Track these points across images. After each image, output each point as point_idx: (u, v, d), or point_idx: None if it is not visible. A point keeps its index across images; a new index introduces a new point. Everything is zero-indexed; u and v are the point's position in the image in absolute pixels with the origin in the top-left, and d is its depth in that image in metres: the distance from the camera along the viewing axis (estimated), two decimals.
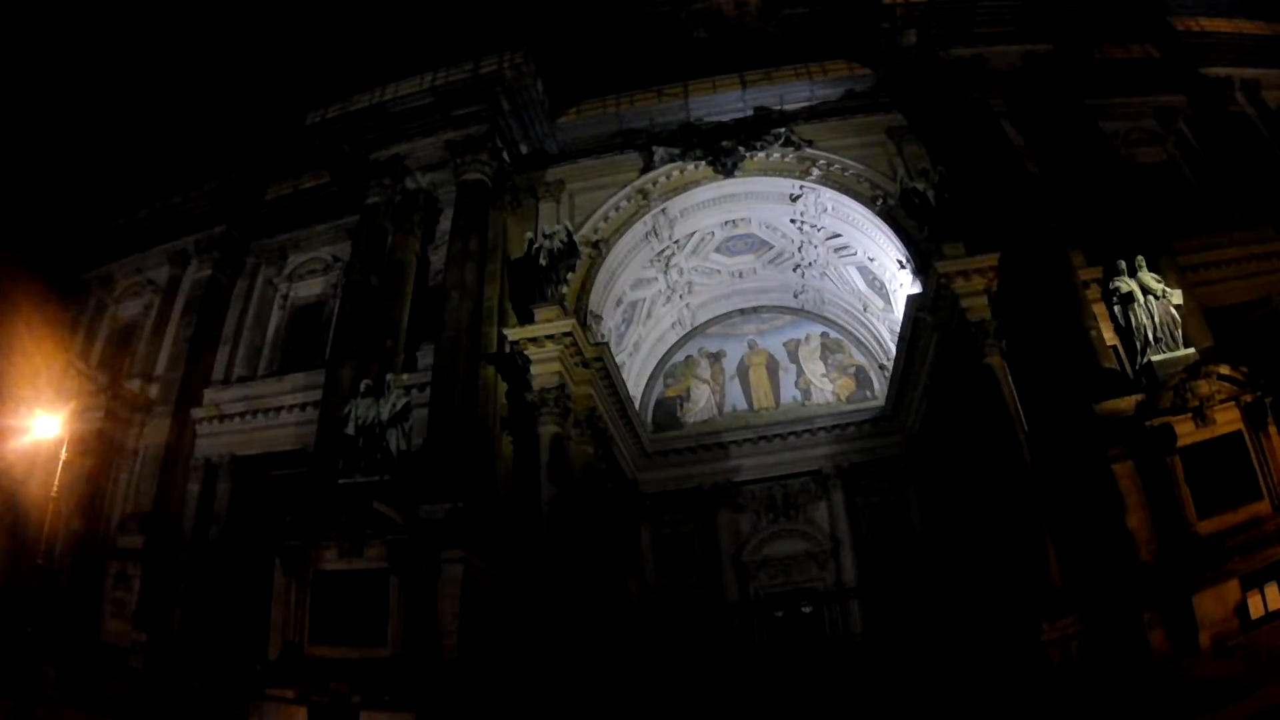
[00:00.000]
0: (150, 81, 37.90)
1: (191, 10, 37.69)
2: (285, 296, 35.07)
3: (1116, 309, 24.62)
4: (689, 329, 43.22)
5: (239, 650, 25.10)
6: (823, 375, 41.41)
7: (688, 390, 42.39)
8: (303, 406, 30.82)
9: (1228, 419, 22.03)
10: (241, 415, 31.68)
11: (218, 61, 37.70)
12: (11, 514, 28.27)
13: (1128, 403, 22.65)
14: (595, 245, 32.59)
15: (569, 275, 30.79)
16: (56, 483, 23.45)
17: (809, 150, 32.99)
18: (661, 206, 33.77)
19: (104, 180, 37.80)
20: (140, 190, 37.55)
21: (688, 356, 43.21)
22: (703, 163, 33.36)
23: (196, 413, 32.16)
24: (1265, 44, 34.12)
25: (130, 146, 37.67)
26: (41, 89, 37.51)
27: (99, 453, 30.42)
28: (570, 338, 28.52)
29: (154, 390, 32.65)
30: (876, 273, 35.40)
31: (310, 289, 35.07)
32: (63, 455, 23.64)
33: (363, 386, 26.34)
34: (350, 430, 25.42)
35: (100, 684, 25.54)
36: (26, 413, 25.71)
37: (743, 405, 41.56)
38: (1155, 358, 23.41)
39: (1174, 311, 24.12)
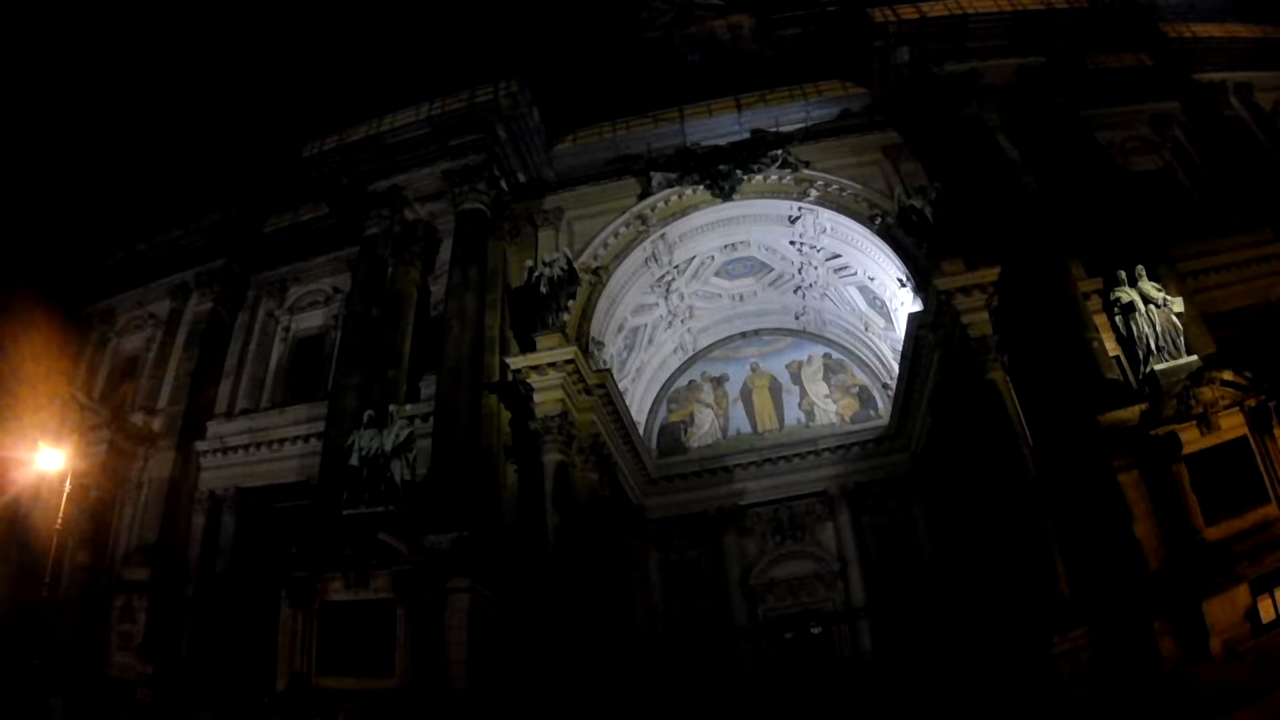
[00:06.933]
0: (149, 115, 38.18)
1: (188, 44, 38.01)
2: (286, 328, 35.23)
3: (1118, 319, 24.48)
4: (691, 353, 43.20)
5: (246, 682, 24.91)
6: (826, 396, 41.30)
7: (691, 415, 42.29)
8: (306, 438, 30.94)
9: (1232, 424, 21.80)
10: (245, 448, 31.79)
11: (216, 95, 37.98)
12: (17, 547, 28.15)
13: (1132, 412, 22.48)
14: (595, 272, 32.56)
15: (570, 302, 30.76)
16: (61, 515, 23.54)
17: (806, 171, 33.03)
18: (660, 231, 33.72)
19: (105, 214, 38.05)
20: (140, 224, 37.76)
21: (690, 381, 43.16)
22: (700, 187, 33.37)
23: (200, 445, 32.28)
24: (1257, 47, 34.38)
25: (130, 180, 37.95)
26: (42, 123, 37.78)
27: (103, 486, 30.46)
28: (572, 365, 28.43)
29: (157, 423, 32.69)
30: (877, 292, 35.34)
31: (311, 321, 35.24)
32: (67, 488, 23.70)
33: (366, 417, 26.26)
34: (354, 461, 25.35)
35: (107, 717, 25.44)
36: (31, 446, 25.82)
37: (746, 428, 41.48)
38: (1158, 366, 23.27)
39: (1175, 319, 23.99)
